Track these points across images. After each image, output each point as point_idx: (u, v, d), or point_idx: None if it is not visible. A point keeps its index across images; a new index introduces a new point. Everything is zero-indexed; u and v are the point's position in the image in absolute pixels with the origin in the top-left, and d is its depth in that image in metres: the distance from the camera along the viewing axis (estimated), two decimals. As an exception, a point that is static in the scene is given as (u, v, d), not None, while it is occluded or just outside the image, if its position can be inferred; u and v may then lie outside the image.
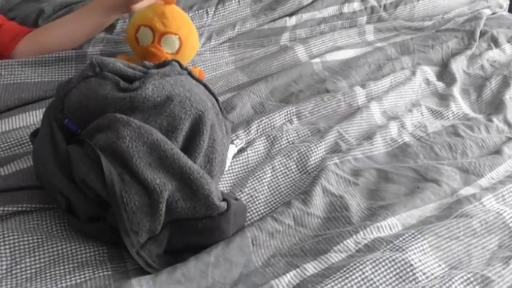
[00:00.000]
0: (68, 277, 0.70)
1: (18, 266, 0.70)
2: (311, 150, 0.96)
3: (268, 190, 0.88)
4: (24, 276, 0.70)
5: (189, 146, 0.77)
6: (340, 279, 0.72)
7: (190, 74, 0.85)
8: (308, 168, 0.94)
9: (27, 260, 0.71)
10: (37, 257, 0.72)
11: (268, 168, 0.91)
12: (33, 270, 0.71)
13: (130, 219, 0.69)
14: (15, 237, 0.73)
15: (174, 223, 0.73)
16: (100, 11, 1.12)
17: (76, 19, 1.12)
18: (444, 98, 1.21)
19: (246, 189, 0.87)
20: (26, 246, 0.73)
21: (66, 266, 0.71)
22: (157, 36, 1.06)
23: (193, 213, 0.73)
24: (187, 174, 0.72)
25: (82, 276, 0.70)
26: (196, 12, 1.29)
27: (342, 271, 0.73)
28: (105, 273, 0.71)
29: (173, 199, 0.71)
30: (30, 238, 0.74)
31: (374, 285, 0.72)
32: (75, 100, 0.78)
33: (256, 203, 0.86)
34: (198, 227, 0.74)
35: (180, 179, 0.72)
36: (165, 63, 0.84)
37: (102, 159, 0.70)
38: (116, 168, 0.71)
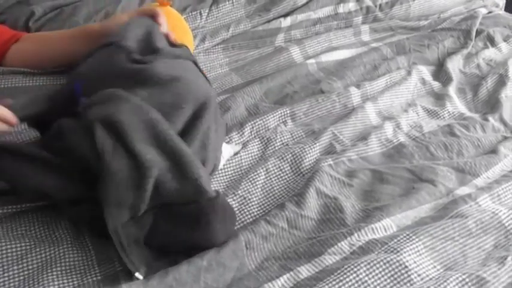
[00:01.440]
0: (56, 283, 0.69)
1: (5, 274, 0.70)
2: (305, 151, 0.95)
3: (261, 192, 0.88)
4: (12, 284, 0.69)
5: (189, 127, 0.78)
6: (334, 282, 0.71)
7: (196, 63, 0.88)
8: (302, 170, 0.93)
9: (15, 267, 0.71)
10: (25, 264, 0.71)
11: (261, 170, 0.90)
12: (21, 277, 0.70)
13: (115, 190, 0.68)
14: (3, 244, 0.72)
15: (159, 209, 0.72)
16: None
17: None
18: (440, 98, 1.20)
19: (239, 192, 0.86)
20: (14, 253, 0.72)
21: (54, 272, 0.70)
22: None
23: (181, 197, 0.71)
24: (179, 156, 0.72)
25: (71, 283, 0.69)
26: (190, 14, 1.29)
27: (336, 274, 0.72)
28: (94, 278, 0.70)
29: (163, 179, 0.70)
30: (18, 245, 0.73)
31: (368, 288, 0.71)
32: (89, 66, 0.80)
33: (250, 205, 0.85)
34: (183, 212, 0.72)
35: (172, 159, 0.72)
36: (178, 45, 0.88)
37: (96, 128, 0.70)
38: (108, 139, 0.70)
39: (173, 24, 1.07)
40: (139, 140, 0.71)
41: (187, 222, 0.72)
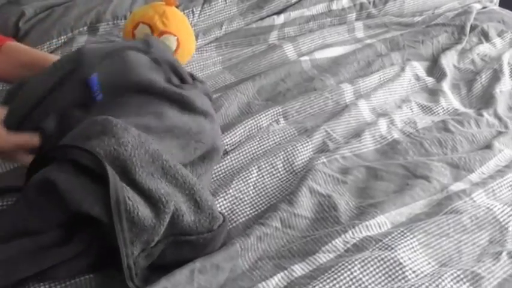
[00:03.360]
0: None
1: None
2: (298, 149, 0.95)
3: (254, 191, 0.87)
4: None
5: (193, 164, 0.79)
6: (328, 280, 0.71)
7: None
8: (295, 168, 0.92)
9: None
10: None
11: (253, 169, 0.89)
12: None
13: (130, 229, 0.64)
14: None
15: (171, 238, 0.69)
16: None
17: None
18: (434, 94, 1.20)
19: (231, 191, 0.85)
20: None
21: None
22: (155, 34, 1.07)
23: (197, 227, 0.70)
24: (190, 187, 0.70)
25: (62, 282, 0.68)
26: (182, 12, 1.28)
27: (330, 272, 0.72)
28: (86, 276, 0.68)
29: (179, 213, 0.68)
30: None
31: (363, 285, 0.71)
32: (114, 66, 0.77)
33: (242, 204, 0.84)
34: (199, 242, 0.70)
35: (184, 190, 0.70)
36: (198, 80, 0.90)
37: (105, 165, 0.65)
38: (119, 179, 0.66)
39: (178, 25, 1.08)
40: (149, 174, 0.67)
41: (196, 247, 0.71)
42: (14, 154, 0.79)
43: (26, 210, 0.65)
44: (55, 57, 0.89)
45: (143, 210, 0.65)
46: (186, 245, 0.70)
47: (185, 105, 0.81)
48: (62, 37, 1.19)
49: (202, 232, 0.70)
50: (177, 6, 1.13)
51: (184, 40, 1.09)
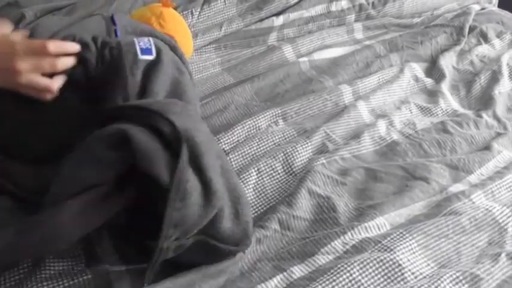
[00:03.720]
0: (45, 283, 0.68)
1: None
2: (297, 151, 0.95)
3: (253, 193, 0.87)
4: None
5: None
6: (327, 282, 0.71)
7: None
8: (294, 170, 0.92)
9: (6, 272, 0.70)
10: (16, 269, 0.70)
11: (253, 170, 0.89)
12: (13, 282, 0.69)
13: (180, 209, 0.63)
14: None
15: (203, 237, 0.69)
16: None
17: None
18: (433, 95, 1.20)
19: (231, 192, 0.85)
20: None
21: (43, 275, 0.69)
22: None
23: (229, 236, 0.70)
24: (238, 195, 0.71)
25: (60, 283, 0.68)
26: (181, 13, 1.28)
27: (329, 273, 0.72)
28: (85, 277, 0.69)
29: (222, 214, 0.68)
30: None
31: (362, 287, 0.71)
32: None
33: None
34: (220, 249, 0.70)
35: (231, 196, 0.70)
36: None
37: (181, 138, 0.65)
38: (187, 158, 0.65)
39: (175, 27, 1.08)
40: (213, 166, 0.68)
41: (217, 256, 0.71)
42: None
43: (91, 164, 0.64)
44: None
45: (196, 196, 0.65)
46: (210, 250, 0.70)
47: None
48: (62, 39, 1.19)
49: (231, 243, 0.70)
50: (175, 8, 1.13)
51: (182, 42, 1.09)
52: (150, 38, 0.79)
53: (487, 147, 1.03)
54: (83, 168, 0.65)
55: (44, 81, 0.71)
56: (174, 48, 0.86)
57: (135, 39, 0.78)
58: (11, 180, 0.73)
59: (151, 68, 0.77)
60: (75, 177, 0.65)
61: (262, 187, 0.88)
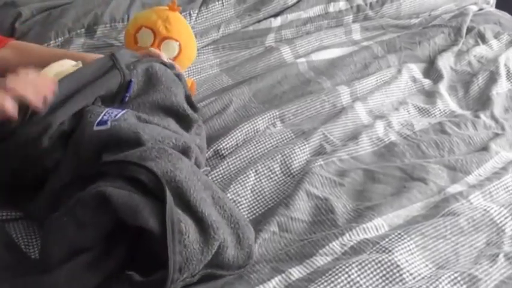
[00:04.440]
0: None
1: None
2: (295, 152, 0.95)
3: (251, 195, 0.87)
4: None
5: None
6: (326, 283, 0.71)
7: None
8: (292, 171, 0.92)
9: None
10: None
11: (251, 172, 0.90)
12: None
13: (181, 252, 0.63)
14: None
15: (209, 271, 0.69)
16: None
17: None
18: (431, 96, 1.20)
19: (229, 194, 0.85)
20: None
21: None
22: (158, 39, 1.07)
23: (233, 263, 0.70)
24: (236, 219, 0.71)
25: None
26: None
27: (327, 274, 0.72)
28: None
29: (225, 244, 0.68)
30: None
31: (360, 288, 0.71)
32: (146, 76, 0.86)
33: (240, 208, 0.84)
34: (223, 275, 0.70)
35: (229, 223, 0.70)
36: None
37: (163, 182, 0.65)
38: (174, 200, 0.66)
39: (180, 31, 1.09)
40: (202, 199, 0.68)
41: (218, 278, 0.71)
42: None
43: (76, 227, 0.65)
44: (66, 52, 0.95)
45: (193, 234, 0.65)
46: (214, 277, 0.70)
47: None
48: (59, 39, 1.19)
49: (235, 268, 0.71)
50: (180, 12, 1.13)
51: (186, 46, 1.10)
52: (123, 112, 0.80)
53: (484, 148, 1.03)
54: (69, 232, 0.65)
55: None
56: (178, 76, 0.92)
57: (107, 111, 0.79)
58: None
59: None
60: (63, 241, 0.65)
61: (260, 189, 0.88)
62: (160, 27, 1.06)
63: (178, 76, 0.92)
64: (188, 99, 0.90)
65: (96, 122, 0.75)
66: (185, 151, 0.78)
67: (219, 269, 0.70)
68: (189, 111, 0.88)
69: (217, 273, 0.69)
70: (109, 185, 0.66)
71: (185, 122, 0.87)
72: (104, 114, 0.77)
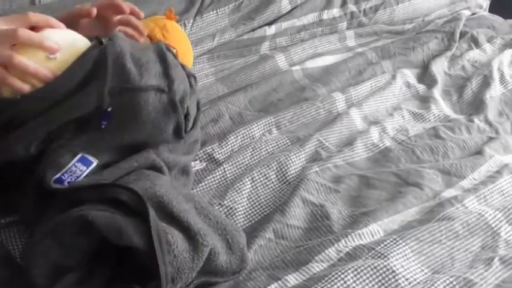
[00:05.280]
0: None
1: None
2: (290, 159, 0.95)
3: (247, 202, 0.87)
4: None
5: None
6: (322, 290, 0.71)
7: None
8: (288, 178, 0.93)
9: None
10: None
11: (247, 180, 0.90)
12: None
13: (171, 263, 0.63)
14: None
15: (203, 279, 0.69)
16: None
17: None
18: (425, 100, 1.21)
19: (225, 202, 0.86)
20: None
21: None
22: None
23: (227, 268, 0.70)
24: (223, 226, 0.71)
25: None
26: (174, 24, 1.29)
27: (323, 281, 0.72)
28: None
29: (216, 250, 0.68)
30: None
31: (356, 294, 0.71)
32: (125, 110, 0.75)
33: (236, 215, 0.85)
34: (218, 283, 0.70)
35: (216, 230, 0.70)
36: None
37: (143, 197, 0.65)
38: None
39: (177, 39, 1.10)
40: (185, 209, 0.68)
41: (213, 285, 0.71)
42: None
43: (60, 250, 0.65)
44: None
45: (181, 243, 0.65)
46: (211, 286, 0.70)
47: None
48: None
49: (230, 274, 0.71)
50: (177, 21, 1.14)
51: (183, 54, 1.11)
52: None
53: (479, 152, 1.03)
54: (53, 255, 0.65)
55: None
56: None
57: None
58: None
59: None
60: (47, 263, 0.65)
61: (256, 196, 0.89)
62: (158, 34, 1.07)
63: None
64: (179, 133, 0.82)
65: (54, 178, 0.71)
66: (156, 169, 0.76)
67: (213, 276, 0.70)
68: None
69: (211, 280, 0.70)
70: (91, 207, 0.65)
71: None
72: (66, 172, 0.72)
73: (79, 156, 0.73)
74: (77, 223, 0.64)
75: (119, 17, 0.92)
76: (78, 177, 0.72)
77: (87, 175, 0.72)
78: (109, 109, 0.74)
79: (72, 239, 0.64)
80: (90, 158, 0.73)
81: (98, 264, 0.67)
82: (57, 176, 0.71)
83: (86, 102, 0.73)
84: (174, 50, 1.08)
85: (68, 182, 0.71)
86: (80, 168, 0.72)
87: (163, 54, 0.82)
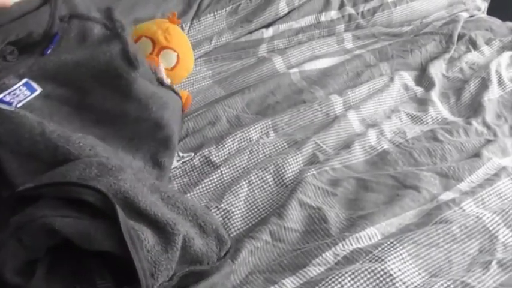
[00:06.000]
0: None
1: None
2: (288, 162, 0.95)
3: (244, 205, 0.87)
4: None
5: None
6: (319, 293, 0.71)
7: None
8: (285, 181, 0.93)
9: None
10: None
11: (244, 183, 0.90)
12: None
13: (147, 257, 0.63)
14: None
15: (187, 269, 0.68)
16: None
17: None
18: (423, 103, 1.20)
19: (223, 205, 0.85)
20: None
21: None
22: (157, 48, 1.08)
23: (207, 251, 0.69)
24: (192, 211, 0.71)
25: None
26: (172, 27, 1.28)
27: (320, 285, 0.72)
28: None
29: (189, 236, 0.68)
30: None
31: (353, 298, 0.71)
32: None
33: (233, 218, 0.84)
34: (210, 271, 0.69)
35: (187, 216, 0.70)
36: None
37: (109, 197, 0.64)
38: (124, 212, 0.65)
39: (179, 42, 1.10)
40: (152, 202, 0.68)
41: (205, 275, 0.70)
42: None
43: (26, 250, 0.63)
44: None
45: (151, 237, 0.65)
46: (198, 274, 0.69)
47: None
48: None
49: (212, 257, 0.70)
50: (179, 25, 1.15)
51: (184, 57, 1.11)
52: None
53: (477, 155, 1.03)
54: (20, 255, 0.63)
55: None
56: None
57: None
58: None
59: None
60: (17, 262, 0.63)
61: (253, 199, 0.89)
62: (160, 37, 1.08)
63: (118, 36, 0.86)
64: (125, 55, 0.84)
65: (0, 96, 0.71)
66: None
67: (197, 264, 0.68)
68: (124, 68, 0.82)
69: (196, 269, 0.68)
70: (53, 212, 0.64)
71: (119, 80, 0.82)
72: (9, 93, 0.72)
73: (24, 80, 0.74)
74: (42, 231, 0.63)
75: None
76: (20, 101, 0.72)
77: (28, 102, 0.73)
78: (58, 34, 0.77)
79: (36, 241, 0.63)
80: (35, 85, 0.75)
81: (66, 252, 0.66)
82: (1, 96, 0.71)
83: (39, 21, 0.77)
84: (176, 53, 1.08)
85: (10, 104, 0.71)
86: (24, 93, 0.73)
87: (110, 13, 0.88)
